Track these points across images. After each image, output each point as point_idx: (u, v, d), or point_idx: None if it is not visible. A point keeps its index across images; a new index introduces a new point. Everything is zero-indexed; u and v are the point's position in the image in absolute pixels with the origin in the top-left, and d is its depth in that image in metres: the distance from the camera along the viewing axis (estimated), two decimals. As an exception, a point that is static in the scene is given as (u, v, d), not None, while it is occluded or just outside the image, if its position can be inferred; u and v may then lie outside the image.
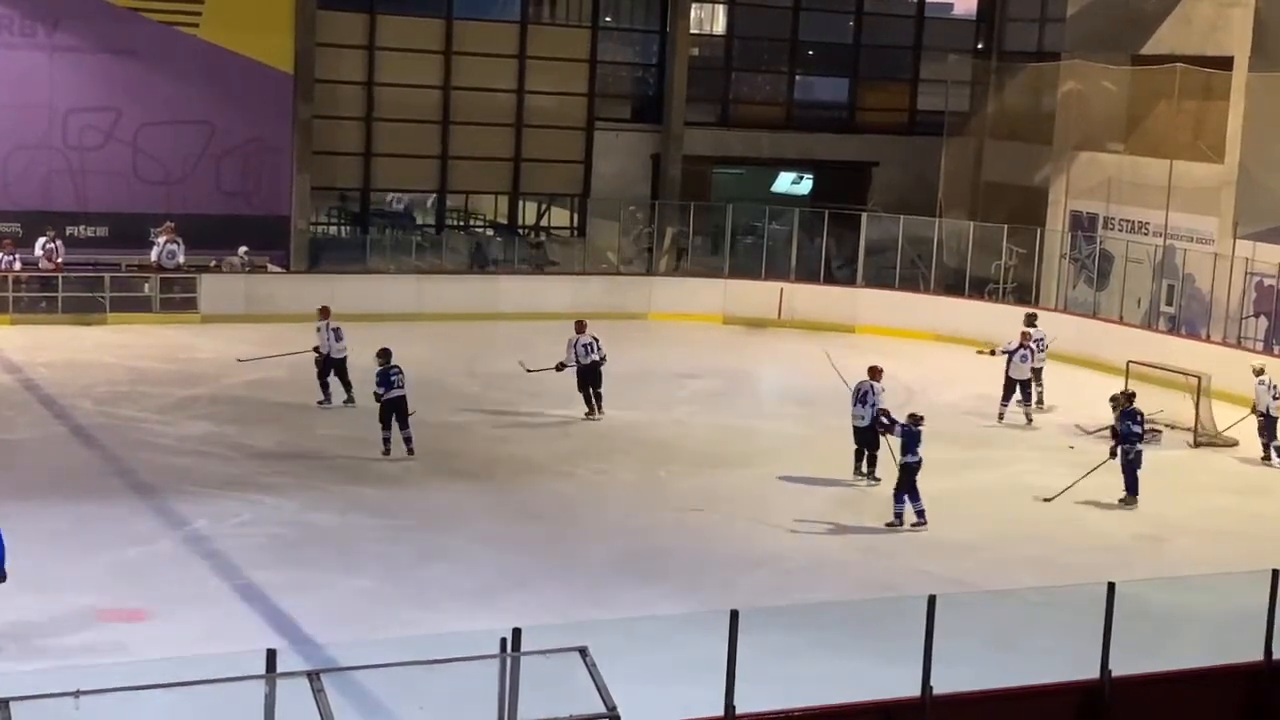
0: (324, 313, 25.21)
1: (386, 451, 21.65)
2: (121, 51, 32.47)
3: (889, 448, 21.53)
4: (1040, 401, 26.88)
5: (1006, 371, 25.82)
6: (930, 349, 31.76)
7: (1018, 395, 25.93)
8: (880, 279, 35.06)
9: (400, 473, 21.33)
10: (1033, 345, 26.06)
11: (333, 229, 38.05)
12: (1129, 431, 21.40)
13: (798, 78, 41.30)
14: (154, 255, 31.20)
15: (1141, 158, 33.55)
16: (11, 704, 9.35)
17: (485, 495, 20.58)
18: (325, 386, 24.78)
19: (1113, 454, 21.49)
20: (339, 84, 34.95)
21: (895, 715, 12.21)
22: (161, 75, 32.73)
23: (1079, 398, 26.56)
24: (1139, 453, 21.42)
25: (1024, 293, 34.54)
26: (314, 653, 14.00)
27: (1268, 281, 30.10)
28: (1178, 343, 29.90)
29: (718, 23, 40.65)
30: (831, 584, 17.66)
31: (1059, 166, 35.38)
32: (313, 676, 10.08)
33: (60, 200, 32.33)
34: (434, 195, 37.78)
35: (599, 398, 24.85)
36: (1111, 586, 12.78)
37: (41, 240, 30.79)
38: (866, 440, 21.91)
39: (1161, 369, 26.35)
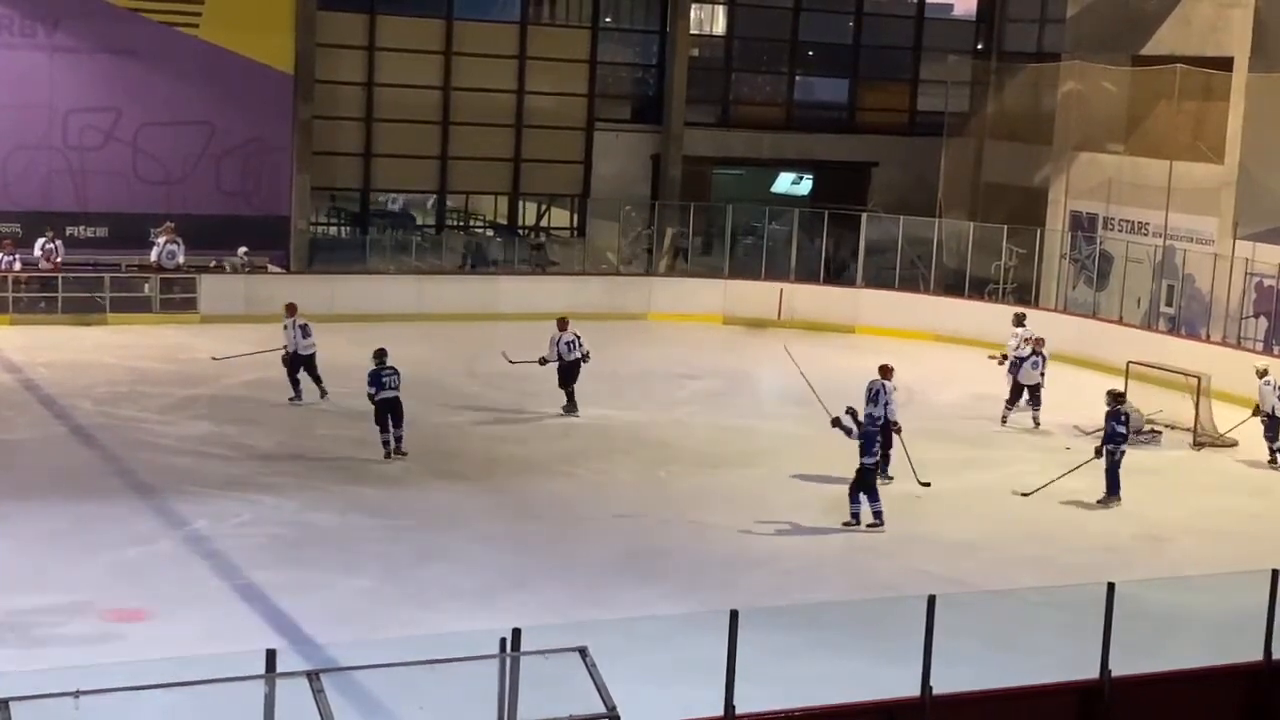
0: (290, 309, 25.40)
1: (387, 455, 21.64)
2: (121, 51, 32.49)
3: (902, 446, 21.57)
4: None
5: (1015, 376, 25.77)
6: (930, 349, 31.75)
7: (1024, 399, 25.87)
8: (880, 279, 35.07)
9: (400, 473, 21.33)
10: (1045, 353, 25.92)
11: (332, 229, 38.08)
12: (1113, 432, 21.42)
13: (798, 78, 41.31)
14: (154, 255, 31.20)
15: (1141, 158, 33.55)
16: (11, 704, 9.35)
17: (485, 495, 20.58)
18: (296, 383, 24.94)
19: (1098, 453, 21.50)
20: (339, 84, 34.96)
21: (895, 715, 12.20)
22: (161, 75, 32.74)
23: (1078, 398, 26.54)
24: (1123, 453, 21.41)
25: (1024, 293, 34.54)
26: (314, 653, 14.00)
27: (1267, 282, 30.11)
28: (1177, 343, 29.90)
29: (718, 23, 40.67)
30: (831, 584, 17.66)
31: (1059, 167, 35.39)
32: (313, 676, 10.07)
33: (60, 200, 32.34)
34: (433, 195, 37.82)
35: (570, 395, 25.05)
36: (1111, 586, 12.78)
37: (41, 241, 30.80)
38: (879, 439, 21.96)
39: (1161, 369, 26.37)
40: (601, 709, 10.61)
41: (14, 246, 30.68)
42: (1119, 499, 21.33)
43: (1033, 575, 17.97)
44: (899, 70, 41.84)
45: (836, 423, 20.13)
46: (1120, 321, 31.81)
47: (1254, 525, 21.07)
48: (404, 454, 21.67)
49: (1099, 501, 21.27)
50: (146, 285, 31.22)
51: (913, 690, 12.16)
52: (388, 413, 21.72)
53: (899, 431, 21.82)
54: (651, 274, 36.15)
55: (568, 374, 25.04)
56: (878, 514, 19.67)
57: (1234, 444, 24.71)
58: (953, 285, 34.04)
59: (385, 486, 20.60)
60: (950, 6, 43.58)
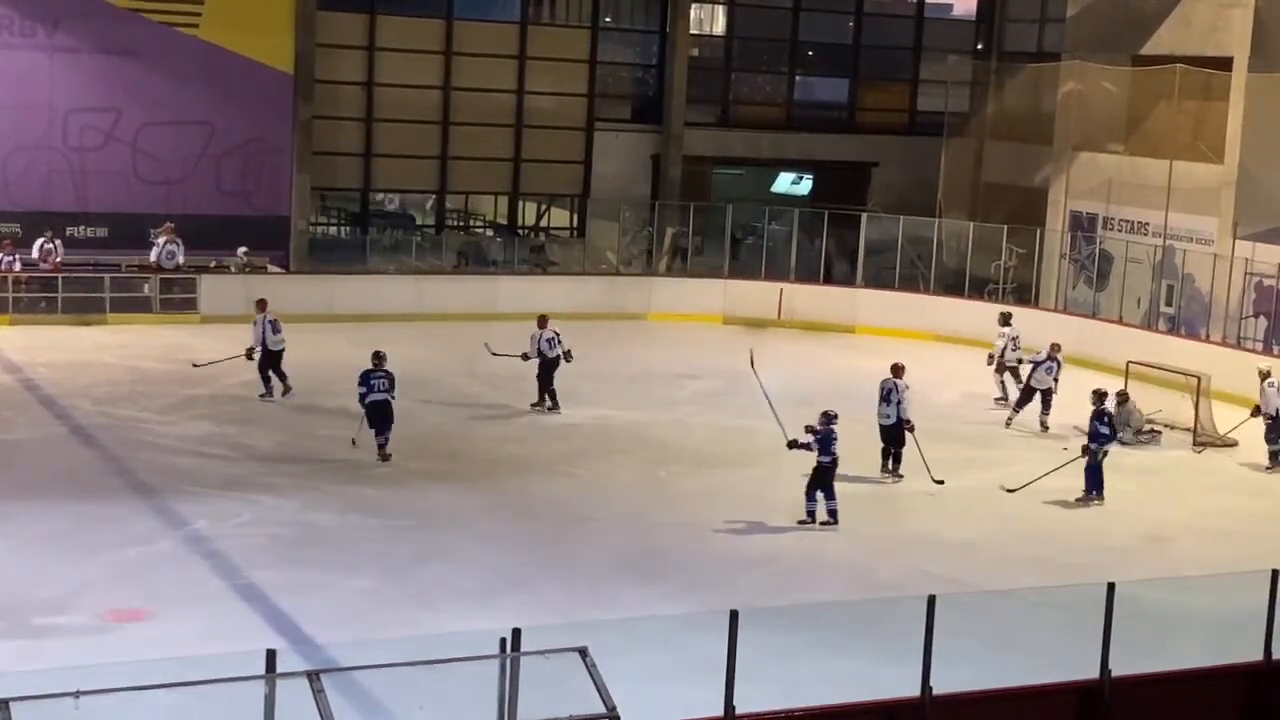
0: (260, 305, 25.51)
1: (382, 458, 21.59)
2: (121, 51, 32.47)
3: (915, 444, 21.59)
4: (1006, 396, 27.13)
5: (1028, 380, 25.75)
6: (930, 349, 31.73)
7: (1036, 403, 25.84)
8: (880, 279, 35.07)
9: (400, 473, 21.33)
10: (1060, 358, 25.83)
11: (332, 229, 38.08)
12: (1096, 431, 21.45)
13: (798, 78, 41.31)
14: (154, 256, 31.20)
15: (1141, 158, 33.56)
16: (11, 704, 9.35)
17: (485, 495, 20.58)
18: (267, 380, 25.03)
19: (1084, 452, 21.53)
20: (339, 84, 34.96)
21: (895, 715, 12.21)
22: (161, 75, 32.73)
23: (1079, 399, 26.48)
24: (1105, 453, 21.43)
25: (1024, 293, 34.56)
26: (314, 653, 14.00)
27: (1267, 282, 30.11)
28: (1177, 343, 29.90)
29: (718, 23, 40.67)
30: (831, 584, 17.66)
31: (1059, 167, 35.39)
32: (313, 676, 10.07)
33: (60, 200, 32.33)
34: (432, 196, 37.82)
35: (552, 394, 25.13)
36: (1111, 586, 12.78)
37: (39, 241, 30.81)
38: (892, 438, 22.01)
39: (1161, 369, 26.38)
40: (601, 709, 10.61)
41: (14, 246, 30.68)
42: (1101, 498, 21.35)
43: (1033, 575, 17.97)
44: (899, 70, 41.84)
45: (794, 444, 19.96)
46: (1120, 321, 31.82)
47: (1254, 525, 21.08)
48: (387, 457, 21.57)
49: (1078, 500, 21.30)
50: (146, 285, 31.23)
51: (913, 690, 12.16)
52: (375, 415, 21.65)
53: (912, 430, 21.88)
54: (651, 274, 36.15)
55: (547, 371, 25.08)
56: (832, 513, 19.62)
57: (1234, 444, 24.71)
58: (953, 285, 34.05)
59: (385, 486, 20.60)
60: (950, 6, 43.58)
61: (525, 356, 25.21)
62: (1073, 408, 26.11)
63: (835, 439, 19.70)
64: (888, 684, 12.46)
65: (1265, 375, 24.12)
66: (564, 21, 38.55)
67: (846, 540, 19.45)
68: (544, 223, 39.26)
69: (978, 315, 32.08)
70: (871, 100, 41.87)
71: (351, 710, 11.04)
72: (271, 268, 33.42)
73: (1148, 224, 33.09)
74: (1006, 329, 27.49)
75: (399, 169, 36.43)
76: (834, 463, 19.68)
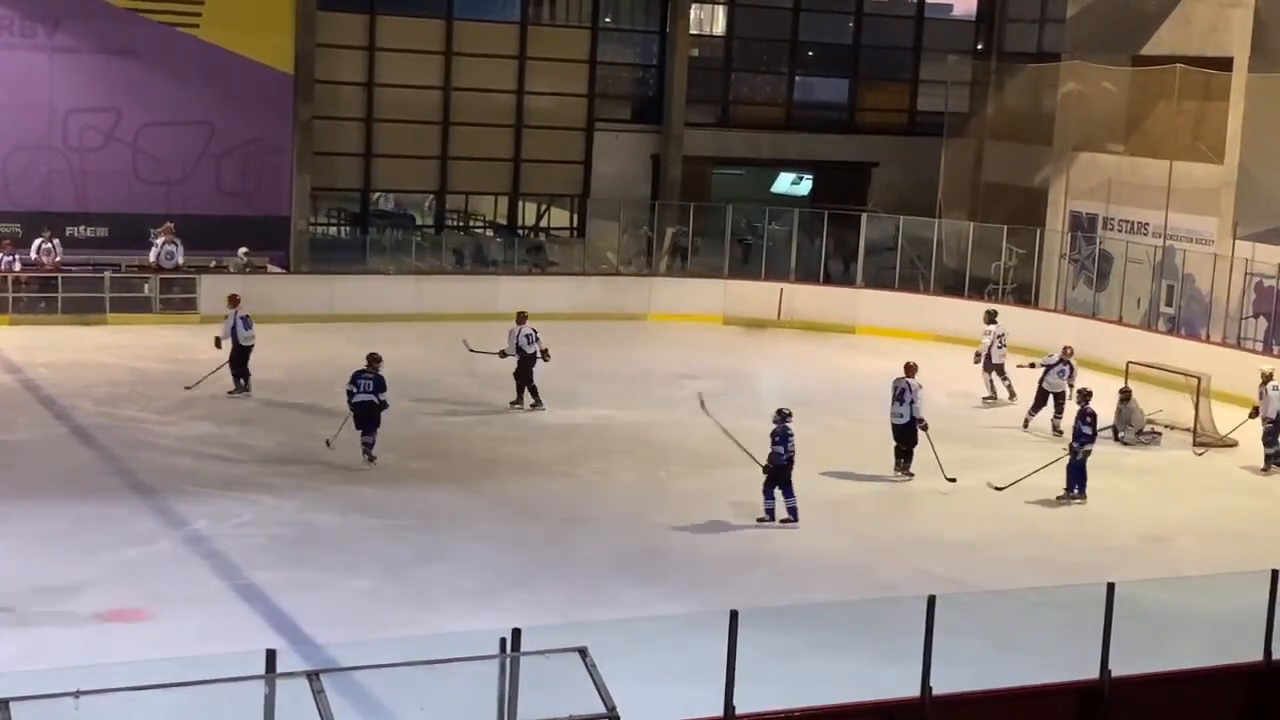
0: (233, 300, 25.72)
1: (368, 458, 21.52)
2: (121, 52, 32.48)
3: (929, 443, 21.69)
4: (1012, 394, 27.14)
5: (1040, 383, 25.73)
6: (930, 349, 31.70)
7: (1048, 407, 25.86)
8: (880, 279, 35.07)
9: (400, 473, 21.34)
10: (1073, 361, 25.78)
11: (332, 229, 38.08)
12: (1079, 431, 21.46)
13: (798, 78, 41.32)
14: (152, 256, 31.20)
15: (1141, 158, 33.56)
16: (11, 704, 9.35)
17: (485, 495, 20.58)
18: (237, 377, 25.16)
19: (1070, 451, 21.57)
20: (339, 84, 34.96)
21: (895, 715, 12.21)
22: (161, 75, 32.74)
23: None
24: (1085, 453, 21.43)
25: (1024, 293, 34.57)
26: (314, 653, 14.00)
27: (1267, 282, 30.10)
28: (1177, 343, 29.90)
29: (718, 23, 40.68)
30: (831, 584, 17.66)
31: (1059, 167, 35.39)
32: (313, 676, 10.07)
33: (60, 201, 32.34)
34: (429, 196, 37.83)
35: (534, 390, 25.13)
36: (1111, 586, 12.78)
37: (37, 241, 30.81)
38: (905, 437, 22.06)
39: (1161, 369, 26.38)
40: (601, 709, 10.61)
41: (14, 246, 30.68)
42: (1084, 497, 21.38)
43: (1033, 575, 17.97)
44: (899, 70, 41.84)
45: (768, 467, 19.82)
46: (1120, 322, 31.81)
47: (1254, 525, 21.08)
48: (372, 460, 21.44)
49: (1059, 498, 21.33)
50: (146, 285, 31.23)
51: (913, 690, 12.17)
52: (359, 416, 21.59)
53: (926, 428, 21.95)
54: (651, 274, 36.15)
55: (525, 368, 25.11)
56: (792, 510, 19.63)
57: (1234, 444, 24.70)
58: (953, 285, 34.04)
59: (385, 486, 20.61)
60: (950, 6, 43.59)
61: (503, 354, 25.31)
62: (1071, 407, 26.15)
63: (791, 435, 19.70)
64: (888, 684, 12.46)
65: (1268, 378, 23.99)
66: (564, 21, 38.54)
67: (846, 540, 19.46)
68: (544, 223, 39.26)
69: (978, 315, 31.95)
70: (871, 100, 41.88)
71: (351, 710, 11.04)
72: (271, 268, 33.42)
73: (1148, 224, 33.09)
74: (992, 326, 27.66)
75: (399, 169, 36.44)
76: (790, 460, 19.66)
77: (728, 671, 11.38)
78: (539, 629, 11.66)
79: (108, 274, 30.99)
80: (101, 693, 9.50)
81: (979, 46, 41.16)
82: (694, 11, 39.11)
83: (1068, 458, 21.46)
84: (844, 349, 32.26)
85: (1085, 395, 22.10)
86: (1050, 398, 25.44)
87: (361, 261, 34.89)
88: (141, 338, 29.42)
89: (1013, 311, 32.79)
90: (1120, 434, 24.88)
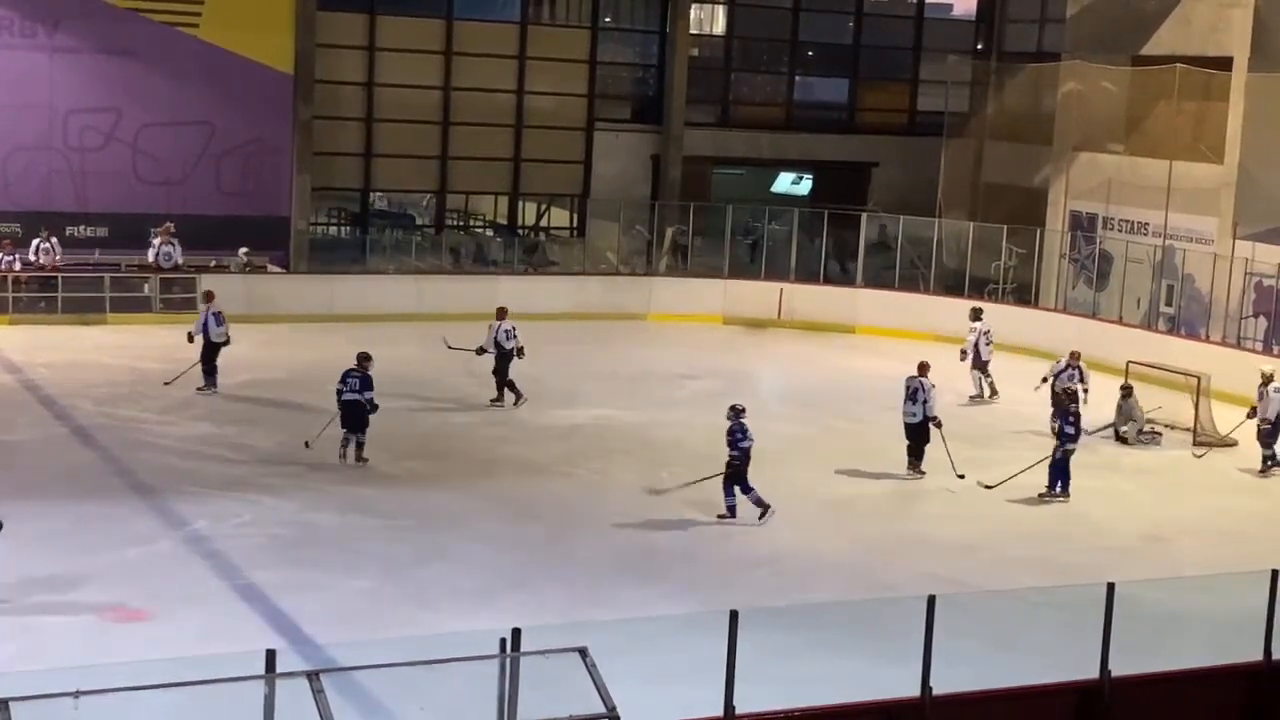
0: (207, 297, 26.07)
1: (340, 456, 21.36)
2: (121, 52, 32.48)
3: (942, 441, 21.73)
4: (994, 392, 27.20)
5: (1053, 389, 25.71)
6: (930, 349, 31.67)
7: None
8: (880, 279, 35.07)
9: (400, 473, 21.34)
10: (1082, 365, 25.79)
11: (332, 229, 38.07)
12: (1061, 430, 21.49)
13: (798, 78, 41.32)
14: (151, 257, 31.20)
15: (1141, 158, 33.56)
16: (11, 704, 9.34)
17: (485, 495, 20.58)
18: (207, 372, 25.26)
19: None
20: (339, 84, 34.96)
21: (895, 715, 12.20)
22: (161, 75, 32.74)
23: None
24: (1067, 452, 21.44)
25: (1024, 293, 34.57)
26: (314, 653, 13.99)
27: (1267, 282, 30.10)
28: (1177, 343, 29.91)
29: (718, 23, 40.67)
30: (831, 584, 17.66)
31: (1059, 167, 35.39)
32: (312, 676, 10.07)
33: (60, 201, 32.34)
34: (427, 196, 37.83)
35: (512, 386, 25.23)
36: (1111, 586, 12.78)
37: (35, 242, 30.82)
38: (917, 435, 22.16)
39: (1161, 369, 26.38)
40: (601, 709, 10.61)
41: (14, 246, 30.69)
42: (1067, 495, 21.40)
43: (1033, 575, 17.97)
44: (899, 70, 41.85)
45: (730, 468, 19.80)
46: (1120, 321, 31.81)
47: (1254, 525, 21.08)
48: (363, 461, 21.37)
49: (1040, 495, 21.35)
50: (146, 285, 31.23)
51: (913, 690, 12.16)
52: (345, 414, 21.54)
53: (939, 426, 22.01)
54: (651, 274, 36.15)
55: (503, 363, 25.16)
56: (758, 502, 19.61)
57: (1234, 444, 24.69)
58: (953, 285, 34.04)
59: (385, 486, 20.61)
60: (950, 6, 43.59)
61: (480, 350, 25.39)
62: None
63: (745, 431, 19.72)
64: (888, 684, 12.46)
65: (1269, 380, 23.94)
66: (564, 21, 38.53)
67: (846, 540, 19.46)
68: (544, 223, 39.26)
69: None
70: (871, 100, 41.88)
71: (351, 710, 11.03)
72: (271, 268, 33.43)
73: (1148, 224, 33.09)
74: (978, 324, 27.75)
75: (399, 169, 36.44)
76: (745, 456, 19.67)
77: (728, 671, 11.38)
78: (539, 629, 11.66)
79: (107, 275, 30.98)
80: (101, 693, 9.49)
81: (979, 46, 41.16)
82: (694, 11, 39.11)
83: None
84: (844, 349, 32.27)
85: (1070, 395, 22.10)
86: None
87: (361, 261, 34.90)
88: (141, 338, 29.40)
89: (1013, 311, 32.87)
90: (1122, 430, 24.91)
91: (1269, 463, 23.67)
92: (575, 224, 38.73)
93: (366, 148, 35.70)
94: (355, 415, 21.45)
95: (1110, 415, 25.26)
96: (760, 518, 19.55)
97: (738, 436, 19.70)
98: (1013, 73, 38.46)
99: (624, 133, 38.19)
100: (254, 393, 25.50)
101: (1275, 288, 29.74)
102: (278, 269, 33.55)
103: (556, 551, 18.34)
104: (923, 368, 22.64)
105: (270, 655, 9.95)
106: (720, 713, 11.43)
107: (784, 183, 41.50)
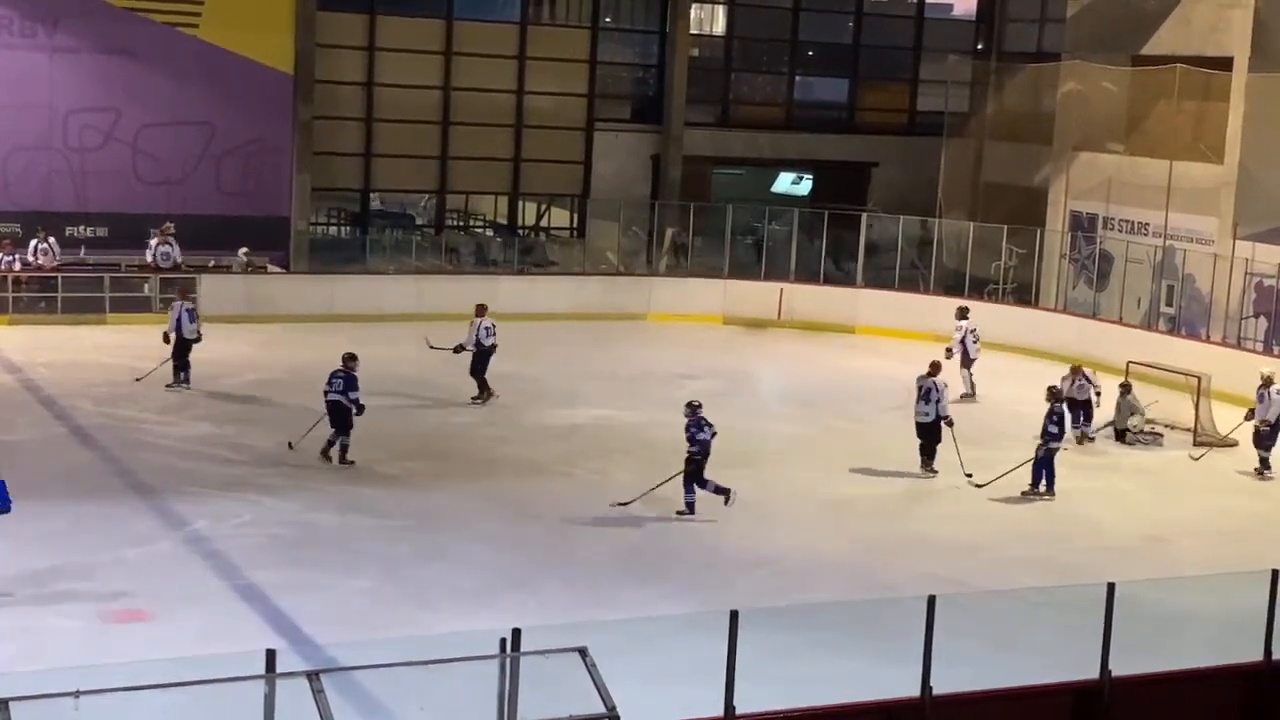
0: (182, 293, 26.31)
1: (322, 453, 21.37)
2: (121, 52, 32.48)
3: (953, 440, 21.88)
4: (972, 392, 27.21)
5: (1064, 397, 25.71)
6: (930, 349, 31.65)
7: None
8: (880, 279, 35.07)
9: (400, 473, 21.34)
10: (1088, 371, 25.79)
11: (332, 229, 38.07)
12: (1045, 429, 21.52)
13: (798, 78, 41.32)
14: (149, 257, 31.19)
15: (1141, 158, 33.57)
16: (11, 704, 9.34)
17: (485, 495, 20.58)
18: (177, 369, 25.35)
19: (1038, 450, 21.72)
20: (339, 84, 34.96)
21: (895, 715, 12.20)
22: (161, 75, 32.74)
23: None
24: (1050, 451, 21.48)
25: (1024, 293, 34.57)
26: (314, 653, 13.99)
27: (1267, 282, 30.10)
28: (1178, 343, 29.91)
29: (718, 23, 40.67)
30: (831, 584, 17.66)
31: (1059, 167, 35.39)
32: (312, 676, 10.07)
33: (60, 201, 32.34)
34: (426, 196, 37.82)
35: (484, 383, 25.31)
36: (1111, 586, 12.78)
37: (33, 242, 30.81)
38: (930, 435, 22.26)
39: (1161, 369, 26.39)
40: (601, 709, 10.61)
41: (14, 246, 30.69)
42: (1052, 493, 21.45)
43: (1033, 575, 17.98)
44: (899, 70, 41.84)
45: (689, 465, 19.87)
46: (1120, 321, 31.81)
47: (1254, 525, 21.09)
48: (348, 463, 21.28)
49: (1023, 493, 21.42)
50: (146, 285, 31.22)
51: (913, 690, 12.17)
52: (330, 415, 21.47)
53: (951, 425, 22.16)
54: (651, 274, 36.14)
55: (482, 360, 25.22)
56: (717, 490, 19.68)
57: (1234, 444, 24.69)
58: (953, 285, 34.03)
59: (385, 486, 20.61)
60: (950, 6, 43.57)
61: (459, 348, 25.44)
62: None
63: (702, 427, 19.77)
64: (888, 684, 12.46)
65: (1269, 382, 23.91)
66: (564, 21, 38.52)
67: (846, 540, 19.45)
68: (544, 223, 39.26)
69: (977, 315, 32.04)
70: (871, 100, 41.88)
71: (351, 710, 11.04)
72: (271, 268, 33.43)
73: (1148, 224, 33.09)
74: (964, 322, 27.82)
75: (399, 169, 36.43)
76: (705, 450, 19.73)
77: (728, 671, 11.38)
78: (539, 629, 11.66)
79: (106, 275, 30.97)
80: (101, 693, 9.49)
81: (979, 46, 41.17)
82: (694, 11, 39.11)
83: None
84: (844, 349, 32.27)
85: (1055, 394, 22.11)
86: (1077, 406, 25.37)
87: (361, 261, 34.89)
88: (141, 338, 29.30)
89: (1013, 311, 32.88)
90: (1130, 421, 24.93)
91: (1264, 465, 23.60)
92: (575, 224, 38.73)
93: (366, 148, 35.70)
94: (338, 416, 21.40)
95: (1110, 415, 25.27)
96: (726, 503, 19.65)
97: (693, 431, 19.80)
98: (1013, 73, 38.47)
99: (624, 133, 38.19)
100: (254, 393, 25.51)
101: (1275, 288, 29.74)
102: (278, 269, 33.55)
103: (556, 551, 18.34)
104: (935, 368, 22.87)
105: (270, 655, 9.95)
106: (720, 713, 11.43)
107: (784, 183, 41.49)
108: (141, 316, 30.62)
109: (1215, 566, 18.17)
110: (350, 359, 21.68)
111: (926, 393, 22.40)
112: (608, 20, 38.79)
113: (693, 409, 19.97)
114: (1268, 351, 28.84)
